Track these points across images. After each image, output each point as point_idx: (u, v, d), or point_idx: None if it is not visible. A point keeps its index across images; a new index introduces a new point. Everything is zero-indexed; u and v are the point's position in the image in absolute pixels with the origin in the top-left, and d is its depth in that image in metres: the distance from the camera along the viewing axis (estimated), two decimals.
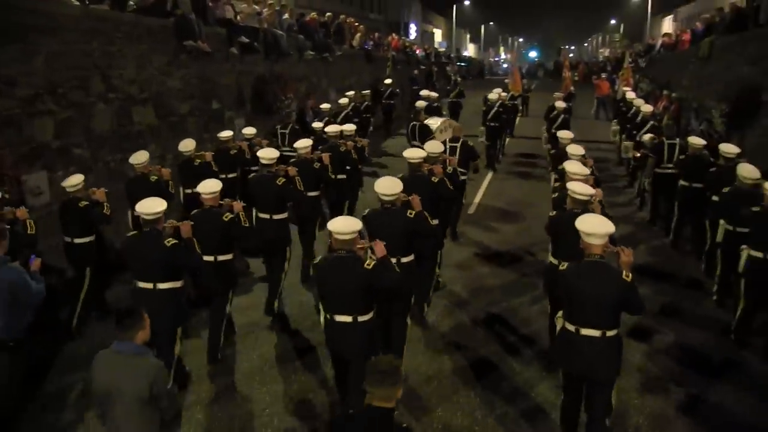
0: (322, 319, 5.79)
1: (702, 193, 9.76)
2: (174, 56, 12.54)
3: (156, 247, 6.23)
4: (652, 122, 14.25)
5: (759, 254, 7.28)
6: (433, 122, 15.06)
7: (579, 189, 6.69)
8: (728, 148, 9.50)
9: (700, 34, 21.33)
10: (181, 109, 12.79)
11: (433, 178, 7.74)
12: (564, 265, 5.54)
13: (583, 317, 5.28)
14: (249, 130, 12.15)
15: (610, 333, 5.24)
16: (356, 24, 27.04)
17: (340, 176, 10.49)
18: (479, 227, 11.75)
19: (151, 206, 6.33)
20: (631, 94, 18.52)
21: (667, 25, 63.33)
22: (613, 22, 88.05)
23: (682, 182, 10.47)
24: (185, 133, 12.86)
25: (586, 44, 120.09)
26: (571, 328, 5.35)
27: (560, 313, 5.63)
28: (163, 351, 6.09)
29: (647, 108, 15.16)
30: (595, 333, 5.23)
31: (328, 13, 23.03)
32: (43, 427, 6.15)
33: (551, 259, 7.16)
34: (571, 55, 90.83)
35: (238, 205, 7.32)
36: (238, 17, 15.11)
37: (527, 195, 14.37)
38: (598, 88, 27.26)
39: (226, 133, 11.31)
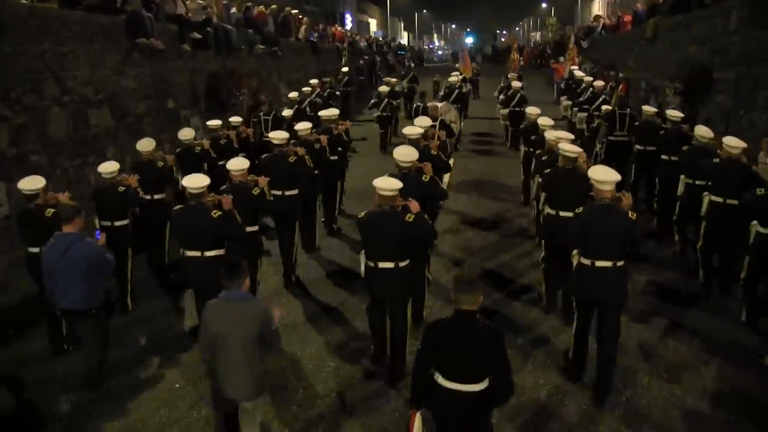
0: (363, 267, 6.56)
1: (655, 155, 10.76)
2: (127, 55, 11.99)
3: (203, 219, 6.76)
4: (603, 96, 15.27)
5: (719, 199, 8.31)
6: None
7: (569, 147, 7.85)
8: (674, 113, 10.78)
9: (641, 16, 21.78)
10: (137, 109, 12.26)
11: (423, 177, 7.76)
12: (580, 209, 6.36)
13: (597, 251, 6.13)
14: (236, 119, 12.43)
15: (619, 263, 6.13)
16: (300, 16, 26.56)
17: (332, 157, 10.83)
18: (456, 199, 12.43)
19: (198, 181, 6.95)
20: (580, 72, 19.78)
21: (597, 7, 64.88)
22: (543, 5, 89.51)
23: (637, 146, 11.53)
24: (142, 134, 12.24)
25: (517, 28, 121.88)
26: (586, 262, 6.20)
27: (575, 252, 6.43)
28: None
29: (599, 83, 16.23)
30: (607, 264, 6.10)
31: (273, 6, 22.52)
32: (113, 389, 6.66)
33: (548, 210, 7.98)
34: (503, 39, 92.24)
35: (263, 181, 7.92)
36: (189, 13, 14.54)
37: (490, 169, 15.35)
38: (556, 72, 27.30)
39: (215, 122, 11.64)
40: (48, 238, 6.62)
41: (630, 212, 6.09)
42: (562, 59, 28.24)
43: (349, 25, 58.80)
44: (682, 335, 7.45)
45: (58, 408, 6.29)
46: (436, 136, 9.61)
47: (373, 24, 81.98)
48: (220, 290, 5.89)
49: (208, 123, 11.80)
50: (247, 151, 11.20)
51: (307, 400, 6.32)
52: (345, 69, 24.56)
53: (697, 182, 9.02)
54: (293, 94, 15.85)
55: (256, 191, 7.76)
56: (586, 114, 15.18)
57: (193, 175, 7.25)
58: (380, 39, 49.55)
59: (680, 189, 9.48)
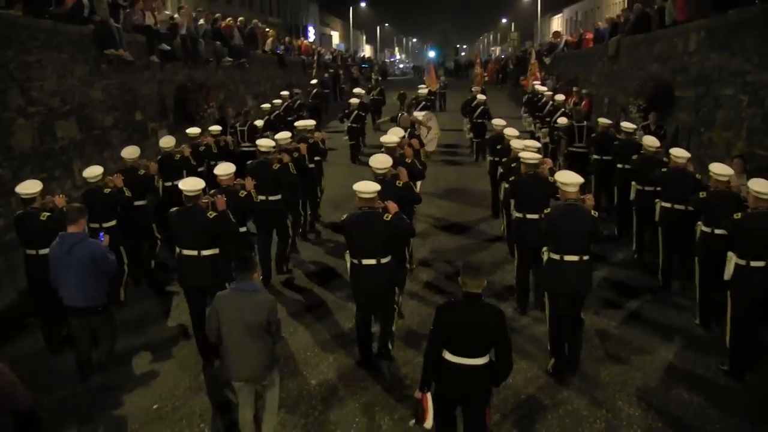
0: (348, 264, 7.14)
1: (611, 164, 11.45)
2: (95, 65, 11.77)
3: (200, 219, 7.23)
4: (562, 109, 15.81)
5: (668, 204, 9.07)
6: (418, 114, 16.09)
7: (529, 155, 8.70)
8: (627, 125, 11.76)
9: (603, 33, 22.30)
10: (104, 121, 12.03)
11: (398, 183, 8.18)
12: (548, 209, 7.24)
13: (565, 247, 6.87)
14: (215, 128, 12.97)
15: (585, 258, 6.91)
16: (267, 29, 26.49)
17: (310, 165, 11.59)
18: (427, 206, 12.77)
19: (194, 184, 7.40)
20: (541, 87, 20.39)
21: (556, 23, 66.22)
22: (504, 20, 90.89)
23: (594, 156, 12.31)
24: (109, 147, 12.15)
25: (478, 43, 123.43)
26: (556, 257, 6.93)
27: (545, 249, 7.13)
28: None
29: (559, 97, 16.85)
30: (575, 258, 6.87)
31: (241, 18, 22.41)
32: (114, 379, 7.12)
33: (516, 214, 8.73)
34: (463, 54, 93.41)
35: (249, 184, 8.52)
36: (157, 24, 14.36)
37: (457, 178, 15.99)
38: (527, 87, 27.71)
39: (195, 130, 12.00)
40: (44, 241, 7.15)
41: (592, 211, 7.02)
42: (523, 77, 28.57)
43: (311, 38, 58.87)
44: (636, 324, 8.34)
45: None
46: (412, 144, 10.32)
47: (336, 37, 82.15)
48: (214, 286, 6.89)
49: (188, 131, 12.09)
50: (226, 158, 11.25)
51: (302, 381, 7.03)
52: (314, 81, 25.14)
53: (647, 188, 9.89)
54: (265, 106, 16.22)
55: (242, 194, 8.28)
56: (547, 129, 15.83)
57: (189, 178, 7.75)
58: (344, 52, 49.63)
59: (632, 194, 10.37)
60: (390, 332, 7.46)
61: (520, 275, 8.70)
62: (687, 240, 8.75)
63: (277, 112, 16.29)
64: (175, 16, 15.91)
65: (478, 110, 17.65)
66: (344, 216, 7.20)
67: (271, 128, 14.43)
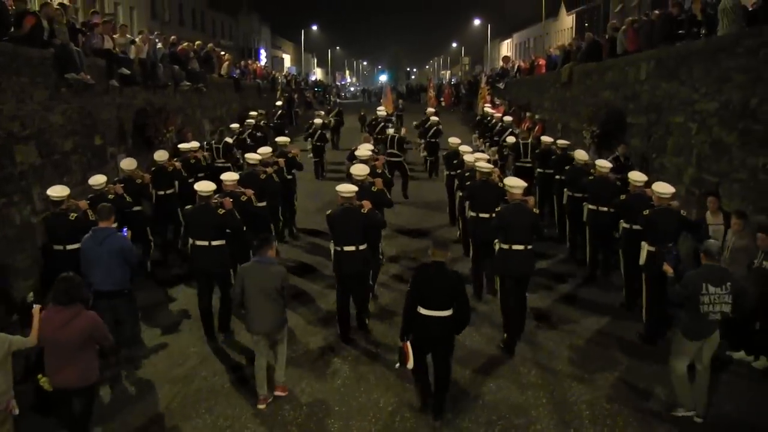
0: (332, 251, 8.80)
1: (551, 176, 13.30)
2: (55, 89, 11.57)
3: (212, 215, 8.85)
4: (510, 129, 18.20)
5: (594, 207, 10.91)
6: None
7: (483, 165, 10.69)
8: (561, 142, 13.88)
9: (555, 60, 22.97)
10: (64, 146, 11.80)
11: (373, 188, 9.90)
12: (500, 207, 8.87)
13: (513, 238, 8.52)
14: (194, 144, 14.04)
15: (528, 246, 8.61)
16: (223, 53, 26.43)
17: (288, 176, 13.24)
18: (391, 214, 13.27)
19: (207, 186, 9.04)
20: (490, 110, 22.95)
21: (505, 48, 67.82)
22: (454, 45, 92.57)
23: (538, 170, 14.28)
24: (69, 172, 11.91)
25: (428, 66, 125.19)
26: (505, 246, 8.59)
27: (496, 240, 8.77)
28: (224, 287, 8.96)
29: (507, 118, 19.49)
30: (521, 247, 8.54)
31: (198, 42, 22.34)
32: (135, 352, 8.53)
33: (471, 213, 10.53)
34: (413, 77, 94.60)
35: (250, 191, 10.25)
36: (117, 48, 14.22)
37: (414, 190, 17.35)
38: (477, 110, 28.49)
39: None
40: (71, 238, 8.70)
41: (534, 209, 8.90)
42: (498, 102, 29.06)
43: (263, 61, 58.85)
44: (568, 302, 10.40)
45: None
46: (378, 162, 11.92)
47: (287, 59, 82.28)
48: (221, 269, 8.91)
49: (180, 146, 13.64)
50: (204, 171, 13.15)
51: (298, 348, 8.66)
52: (279, 103, 27.26)
53: (576, 195, 11.80)
54: (234, 125, 17.75)
55: (244, 198, 9.98)
56: (496, 148, 17.63)
57: (203, 181, 9.32)
58: (297, 76, 49.76)
59: (564, 199, 12.40)
60: (366, 309, 9.22)
61: (475, 266, 10.50)
62: (609, 236, 10.82)
63: (249, 130, 17.86)
64: (136, 39, 15.76)
65: (432, 130, 19.24)
66: (329, 211, 8.93)
67: (241, 146, 16.19)
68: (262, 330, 7.25)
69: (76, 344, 5.90)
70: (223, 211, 8.88)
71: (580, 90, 18.76)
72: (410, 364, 6.83)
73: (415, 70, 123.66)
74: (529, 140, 15.43)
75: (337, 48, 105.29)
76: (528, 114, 22.08)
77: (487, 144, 19.52)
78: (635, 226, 9.32)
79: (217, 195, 9.28)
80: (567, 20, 48.30)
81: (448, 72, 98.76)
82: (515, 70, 30.60)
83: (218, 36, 54.39)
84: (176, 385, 7.78)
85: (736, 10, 11.17)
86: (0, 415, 5.71)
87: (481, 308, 9.88)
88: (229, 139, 15.74)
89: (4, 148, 10.06)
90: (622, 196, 9.87)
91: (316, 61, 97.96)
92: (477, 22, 67.69)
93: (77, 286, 6.05)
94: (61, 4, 13.69)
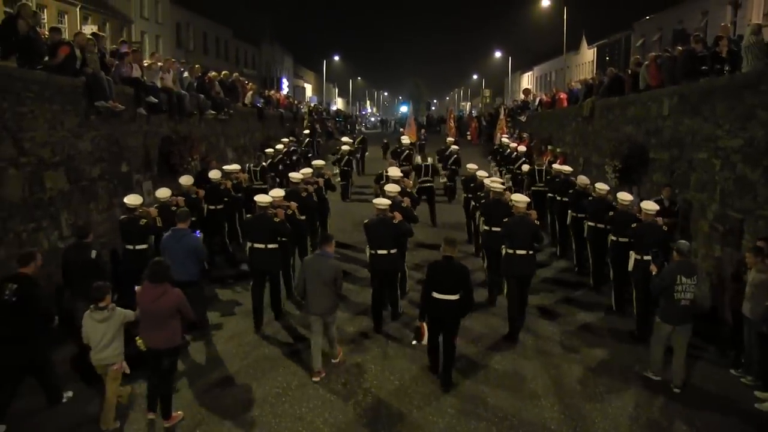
0: (368, 253, 10.58)
1: (564, 203, 14.50)
2: (85, 117, 11.85)
3: (269, 223, 10.50)
4: (523, 158, 19.26)
5: (593, 224, 12.53)
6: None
7: (496, 185, 12.36)
8: (563, 168, 15.59)
9: (577, 94, 23.03)
10: (92, 172, 12.03)
11: (403, 204, 11.42)
12: (507, 220, 10.53)
13: (517, 244, 10.20)
14: (235, 166, 15.52)
15: (530, 252, 10.30)
16: (247, 82, 26.81)
17: (325, 195, 14.85)
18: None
19: (265, 198, 10.81)
20: (505, 139, 24.29)
21: (526, 80, 68.13)
22: (475, 77, 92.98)
23: (548, 194, 15.70)
24: (96, 198, 12.14)
25: (448, 98, 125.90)
26: (511, 251, 10.27)
27: (503, 246, 10.48)
28: (275, 285, 10.84)
29: (521, 148, 20.77)
30: (523, 252, 10.21)
31: (225, 72, 22.72)
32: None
33: (485, 227, 12.25)
34: (434, 108, 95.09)
35: (294, 204, 11.80)
36: (145, 76, 14.52)
37: (437, 211, 18.47)
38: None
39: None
40: (141, 240, 10.45)
41: (536, 220, 10.55)
42: (525, 135, 28.80)
43: (285, 90, 59.58)
44: (566, 302, 12.11)
45: None
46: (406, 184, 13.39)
47: (309, 89, 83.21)
48: (274, 268, 10.66)
49: (225, 167, 15.08)
50: (244, 191, 14.76)
51: (340, 332, 9.89)
52: (307, 131, 28.88)
53: (579, 215, 13.37)
54: (269, 150, 19.70)
55: (289, 211, 11.43)
56: (510, 174, 19.06)
57: (261, 194, 11.16)
58: (319, 106, 50.27)
59: (568, 220, 13.93)
60: (397, 298, 11.07)
61: (490, 273, 12.13)
62: (604, 248, 12.14)
63: (280, 156, 19.55)
64: (163, 69, 16.04)
65: (452, 158, 20.61)
66: (366, 220, 10.64)
67: (274, 169, 18.27)
68: (318, 311, 8.75)
69: (165, 314, 7.34)
70: (278, 219, 10.56)
71: (601, 124, 18.77)
72: (425, 341, 8.61)
73: (435, 101, 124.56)
74: (544, 167, 17.09)
75: (358, 78, 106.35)
76: (549, 147, 22.09)
77: (503, 171, 20.65)
78: (621, 239, 11.07)
79: (269, 210, 10.75)
80: (588, 53, 48.52)
81: (469, 104, 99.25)
82: (537, 103, 30.68)
83: (241, 65, 55.26)
84: (239, 356, 9.51)
85: (760, 47, 11.19)
86: (115, 373, 7.47)
87: (492, 308, 11.71)
88: (264, 164, 17.79)
89: (35, 174, 10.30)
90: (611, 213, 11.78)
91: (337, 90, 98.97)
92: (498, 54, 68.06)
93: (165, 269, 7.50)
94: (94, 34, 14.00)
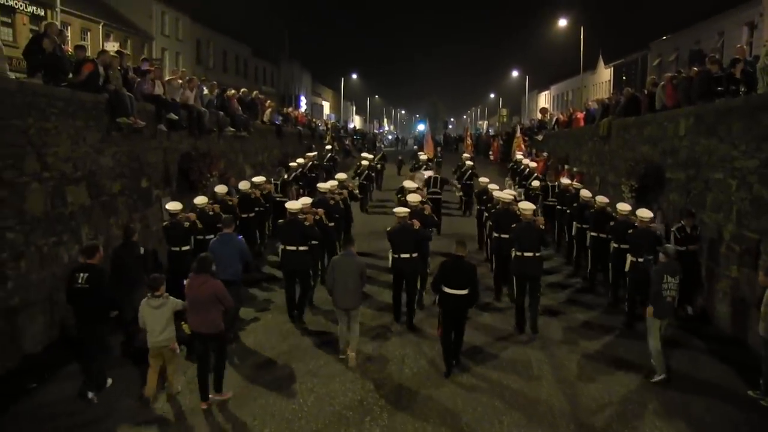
0: (390, 258, 11.59)
1: (569, 213, 15.82)
2: (107, 133, 12.07)
3: (299, 227, 11.64)
4: (536, 174, 20.84)
5: (595, 233, 13.71)
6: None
7: (506, 196, 13.85)
8: (564, 182, 17.40)
9: (593, 113, 23.05)
10: (112, 188, 12.24)
11: (425, 211, 12.98)
12: (515, 225, 11.86)
13: (525, 247, 11.33)
14: (260, 178, 16.80)
15: (537, 254, 11.41)
16: (268, 101, 27.11)
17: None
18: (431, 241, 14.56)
19: (295, 204, 12.04)
20: (520, 156, 25.81)
21: (543, 99, 68.19)
22: (492, 95, 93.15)
23: (557, 207, 17.31)
24: (115, 213, 12.32)
25: (465, 116, 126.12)
26: (519, 254, 11.39)
27: (513, 249, 11.57)
28: (305, 283, 11.94)
29: (533, 164, 22.81)
30: (530, 254, 11.32)
31: (243, 89, 23.00)
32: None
33: (495, 234, 13.40)
34: (451, 126, 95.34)
35: (321, 211, 12.93)
36: (166, 94, 14.76)
37: (449, 223, 20.10)
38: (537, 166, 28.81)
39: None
40: (184, 242, 11.82)
41: (541, 225, 11.85)
42: (545, 154, 28.72)
43: (303, 107, 60.04)
44: (568, 302, 13.34)
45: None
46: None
47: (327, 107, 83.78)
48: (304, 268, 11.78)
49: (254, 179, 16.52)
50: (270, 201, 16.57)
51: (363, 326, 10.97)
52: (329, 147, 30.24)
53: (584, 226, 14.44)
54: (293, 164, 21.51)
55: (317, 217, 12.47)
56: (523, 189, 20.15)
57: (293, 201, 12.61)
58: (337, 124, 50.63)
59: (573, 230, 15.17)
60: (415, 298, 11.89)
61: (495, 276, 13.44)
62: (605, 255, 13.19)
63: (302, 170, 21.26)
64: (183, 86, 16.28)
65: (467, 174, 22.36)
66: (389, 228, 11.91)
67: (297, 182, 19.76)
68: (344, 306, 9.90)
69: (206, 301, 8.31)
70: (308, 223, 11.74)
71: (618, 144, 18.77)
72: (439, 332, 9.87)
73: (452, 119, 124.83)
74: (556, 183, 18.56)
75: (376, 96, 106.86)
76: (566, 166, 22.11)
77: (516, 186, 21.72)
78: (623, 246, 12.11)
79: (300, 216, 11.97)
80: (605, 73, 48.56)
81: (486, 122, 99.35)
82: (554, 122, 30.71)
83: (260, 82, 55.85)
84: (275, 344, 10.70)
85: None
86: (169, 353, 8.61)
87: (498, 305, 13.03)
88: (286, 176, 19.02)
89: (57, 188, 10.51)
90: (612, 222, 12.98)
91: (354, 108, 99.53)
92: (515, 73, 68.25)
93: (209, 262, 8.55)
94: (118, 52, 14.28)
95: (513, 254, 11.54)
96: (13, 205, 9.44)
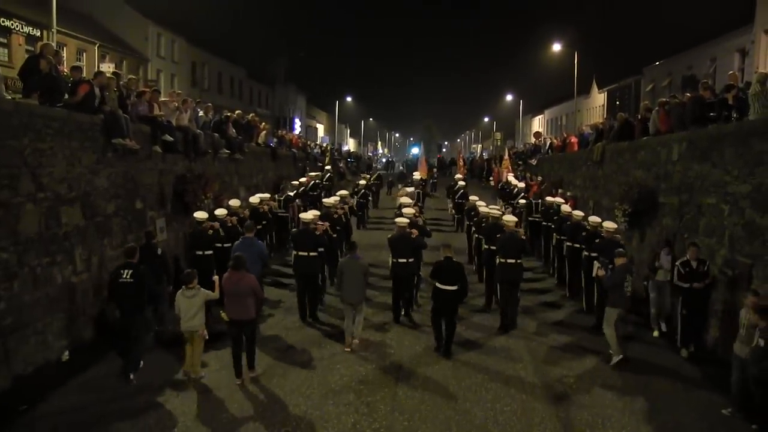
0: (390, 261, 13.18)
1: (551, 226, 17.95)
2: (102, 154, 12.06)
3: (311, 235, 13.31)
4: (523, 193, 23.04)
5: (570, 244, 15.27)
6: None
7: (494, 212, 16.08)
8: (548, 200, 19.21)
9: (587, 138, 23.18)
10: (107, 209, 12.20)
11: (419, 222, 14.96)
12: (500, 236, 13.32)
13: (509, 254, 12.82)
14: (265, 195, 18.85)
15: (518, 261, 12.97)
16: (262, 123, 27.18)
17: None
18: (425, 253, 15.38)
19: (307, 215, 13.87)
20: (510, 178, 27.62)
21: (537, 124, 68.54)
22: (486, 119, 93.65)
23: (543, 223, 19.14)
24: (110, 234, 12.28)
25: (459, 140, 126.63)
26: (503, 260, 12.86)
27: (498, 256, 13.02)
28: (315, 285, 13.53)
29: (521, 184, 25.11)
30: (513, 261, 12.84)
31: (238, 111, 23.07)
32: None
33: (485, 246, 14.74)
34: (444, 150, 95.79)
35: (326, 224, 14.55)
36: (163, 116, 14.78)
37: (442, 238, 20.00)
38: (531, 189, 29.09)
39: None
40: (208, 247, 13.62)
41: (523, 236, 14.16)
42: (539, 178, 29.26)
43: (297, 129, 60.20)
44: (545, 305, 15.11)
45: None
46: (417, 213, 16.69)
47: (321, 129, 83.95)
48: (314, 272, 13.30)
49: (259, 195, 18.43)
50: (273, 215, 18.64)
51: (367, 323, 12.77)
52: (328, 167, 31.46)
53: (562, 237, 16.00)
54: (295, 182, 24.13)
55: (325, 228, 14.26)
56: (511, 208, 21.55)
57: (306, 212, 14.66)
58: (331, 146, 50.72)
59: (554, 241, 17.15)
60: (412, 296, 13.85)
61: (487, 285, 14.63)
62: (578, 263, 14.65)
63: (304, 188, 23.34)
64: (179, 108, 16.32)
65: (459, 193, 24.70)
66: (389, 235, 13.78)
67: (301, 198, 22.05)
68: (350, 301, 11.49)
69: (243, 293, 9.79)
70: (319, 232, 13.61)
71: (612, 169, 18.87)
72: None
73: (446, 143, 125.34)
74: (540, 200, 20.29)
75: (370, 119, 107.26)
76: (560, 191, 22.19)
77: (504, 206, 23.07)
78: (593, 254, 13.37)
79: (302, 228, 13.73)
80: (599, 98, 48.93)
81: (480, 146, 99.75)
82: (548, 146, 30.90)
83: (255, 104, 56.03)
84: (291, 335, 12.42)
85: (767, 95, 11.33)
86: (199, 338, 9.98)
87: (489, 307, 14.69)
88: (290, 194, 21.45)
89: (52, 209, 10.47)
90: (584, 232, 14.57)
91: (349, 131, 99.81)
92: (509, 97, 68.73)
93: (243, 261, 10.01)
94: (115, 73, 14.32)
95: (497, 261, 13.02)
96: (7, 226, 9.40)
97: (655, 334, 12.87)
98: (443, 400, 9.60)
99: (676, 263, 11.90)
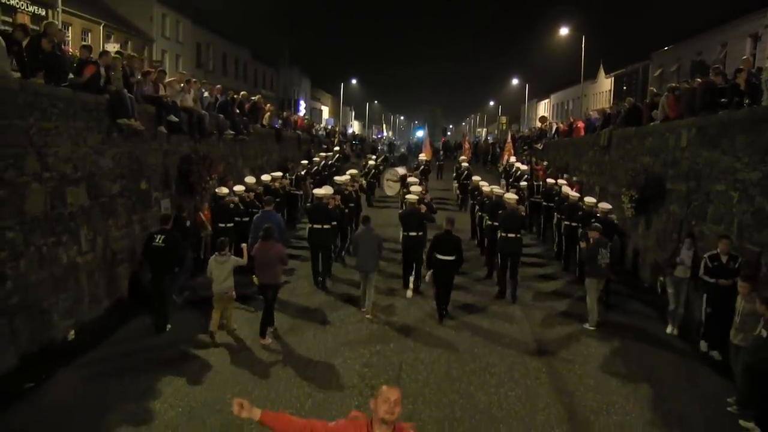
0: (401, 235, 14.59)
1: (551, 206, 19.17)
2: (107, 134, 11.99)
3: (325, 209, 14.52)
4: (525, 176, 23.34)
5: (568, 222, 16.32)
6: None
7: (498, 190, 17.40)
8: (549, 182, 20.37)
9: (594, 123, 23.02)
10: (112, 189, 12.16)
11: (426, 200, 16.14)
12: (502, 212, 14.35)
13: (509, 229, 13.79)
14: (277, 174, 20.01)
15: (518, 235, 13.99)
16: (267, 104, 27.05)
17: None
18: (430, 230, 16.06)
19: (323, 191, 15.28)
20: (513, 160, 28.43)
21: (542, 108, 68.18)
22: (491, 103, 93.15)
23: (543, 203, 20.23)
24: (115, 215, 12.25)
25: (464, 123, 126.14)
26: (504, 234, 13.86)
27: (500, 230, 14.02)
28: (328, 256, 14.76)
29: (523, 167, 25.46)
30: (513, 235, 13.81)
31: (243, 92, 22.94)
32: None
33: (489, 222, 16.09)
34: (449, 133, 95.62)
35: (338, 197, 15.78)
36: (168, 97, 14.68)
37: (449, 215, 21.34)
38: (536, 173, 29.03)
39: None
40: (229, 219, 14.72)
41: (523, 213, 15.27)
42: (545, 163, 29.16)
43: (302, 111, 60.00)
44: (541, 277, 16.29)
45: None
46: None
47: (326, 111, 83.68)
48: (329, 243, 14.77)
49: (273, 174, 19.76)
50: (285, 193, 20.06)
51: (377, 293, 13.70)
52: (337, 148, 33.46)
53: (561, 216, 17.15)
54: (304, 162, 25.17)
55: (337, 203, 15.44)
56: (514, 190, 21.35)
57: (321, 188, 16.18)
58: (336, 130, 50.57)
59: (555, 221, 18.18)
60: (420, 266, 14.25)
61: (488, 258, 16.16)
62: (576, 240, 14.68)
63: (316, 167, 25.21)
64: (184, 89, 16.21)
65: (464, 174, 25.92)
66: (400, 211, 16.02)
67: (312, 177, 23.65)
68: (364, 269, 12.50)
69: (272, 261, 10.98)
70: (331, 207, 14.73)
71: (619, 154, 18.74)
72: (428, 278, 12.85)
73: (451, 126, 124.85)
74: (540, 182, 21.27)
75: (375, 102, 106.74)
76: (566, 176, 22.08)
77: (507, 187, 23.71)
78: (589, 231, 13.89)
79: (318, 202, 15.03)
80: (606, 83, 48.60)
81: (485, 130, 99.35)
82: (554, 131, 30.70)
83: (260, 86, 55.81)
84: (308, 299, 13.65)
85: None
86: (229, 299, 11.10)
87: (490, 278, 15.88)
88: (301, 173, 22.75)
89: (57, 189, 10.42)
90: (581, 212, 15.75)
91: (353, 114, 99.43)
92: (515, 81, 68.30)
93: (272, 231, 11.14)
94: (119, 52, 14.21)
95: (499, 235, 14.07)
96: (13, 205, 9.36)
97: (668, 330, 12.22)
98: (446, 383, 9.64)
99: (704, 255, 10.94)
